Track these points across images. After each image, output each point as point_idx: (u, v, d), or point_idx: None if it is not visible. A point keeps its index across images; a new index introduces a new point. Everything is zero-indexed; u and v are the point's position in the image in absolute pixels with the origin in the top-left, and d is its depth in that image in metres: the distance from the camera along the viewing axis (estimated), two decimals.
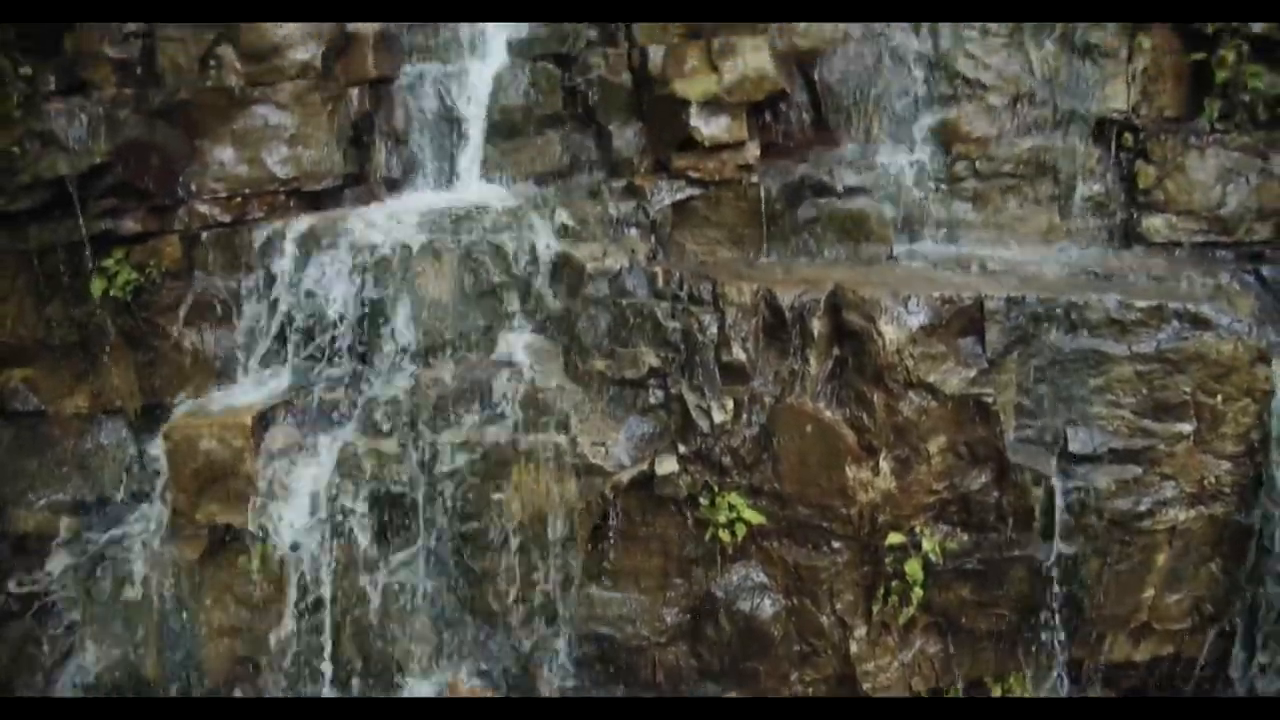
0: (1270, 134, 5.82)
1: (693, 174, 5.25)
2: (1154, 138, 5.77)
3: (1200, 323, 4.88)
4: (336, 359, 5.07)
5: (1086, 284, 5.17)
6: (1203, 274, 5.39)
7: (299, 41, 5.38)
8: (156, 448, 5.45)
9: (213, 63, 5.42)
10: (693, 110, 5.17)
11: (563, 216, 5.07)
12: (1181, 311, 4.89)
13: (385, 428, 4.96)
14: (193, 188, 5.36)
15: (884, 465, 4.77)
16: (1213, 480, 4.98)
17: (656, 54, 5.28)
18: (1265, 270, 5.52)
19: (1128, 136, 5.75)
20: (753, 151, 5.24)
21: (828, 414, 4.77)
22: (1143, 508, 4.94)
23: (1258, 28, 5.82)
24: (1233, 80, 5.79)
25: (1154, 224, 5.75)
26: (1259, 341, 4.90)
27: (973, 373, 4.76)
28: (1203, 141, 5.78)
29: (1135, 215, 5.76)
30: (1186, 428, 4.94)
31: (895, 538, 4.84)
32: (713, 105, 5.16)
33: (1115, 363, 4.87)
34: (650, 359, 4.90)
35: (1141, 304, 4.88)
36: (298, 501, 5.00)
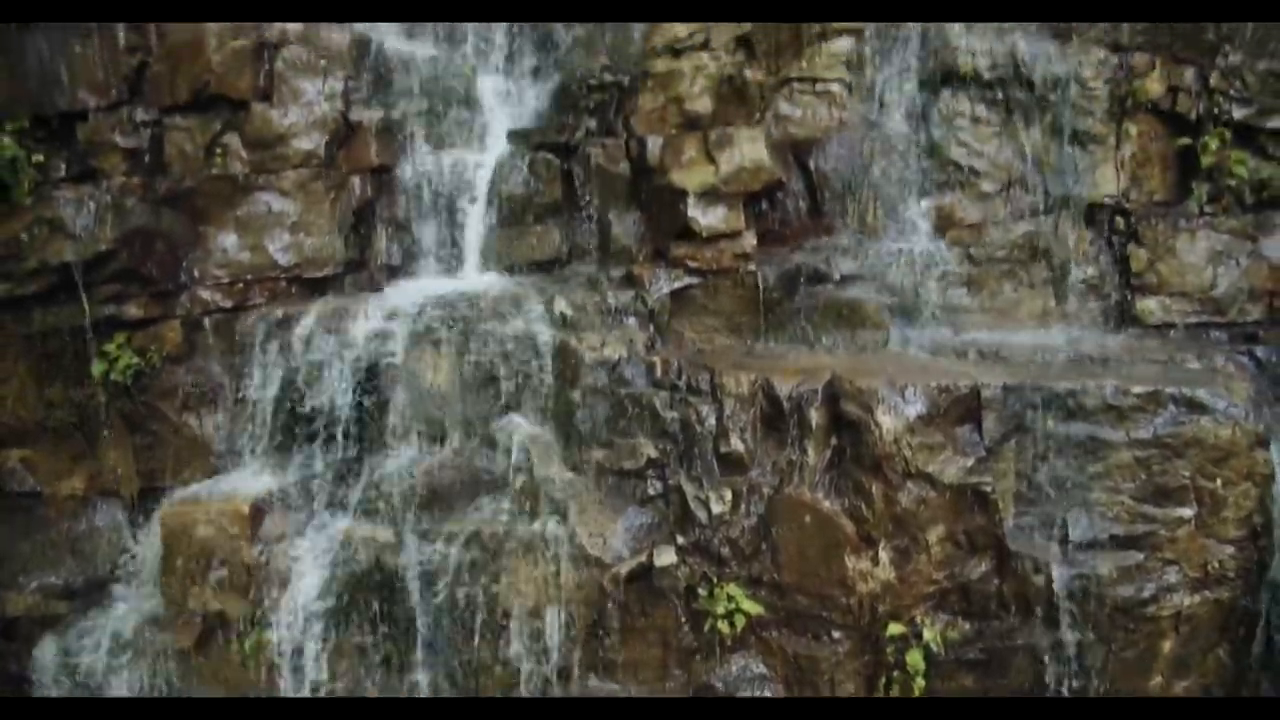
0: (1258, 217, 5.94)
1: (691, 263, 5.31)
2: (1145, 221, 5.88)
3: (1197, 407, 4.89)
4: (335, 446, 5.06)
5: (1083, 369, 5.20)
6: (1198, 356, 5.44)
7: (303, 130, 5.52)
8: (151, 532, 5.43)
9: (219, 150, 5.55)
10: (690, 200, 5.25)
11: (561, 305, 5.09)
12: (1178, 396, 4.90)
13: (383, 516, 4.93)
14: (195, 274, 5.45)
15: (883, 555, 4.73)
16: (1216, 565, 4.95)
17: (654, 144, 5.39)
18: (1259, 351, 5.58)
19: (1119, 220, 5.86)
20: (750, 241, 5.31)
21: (826, 504, 4.76)
22: (1146, 594, 4.89)
23: (1239, 115, 5.98)
24: (1218, 165, 5.93)
25: (1148, 306, 5.83)
26: (1256, 426, 4.90)
27: (970, 461, 4.76)
28: (1192, 225, 5.89)
29: (1129, 297, 5.83)
30: (1187, 512, 4.92)
31: (896, 628, 4.78)
32: (710, 195, 5.25)
33: (1113, 449, 4.87)
34: (649, 450, 4.90)
35: (1138, 390, 4.89)
36: (293, 589, 4.95)
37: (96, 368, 5.41)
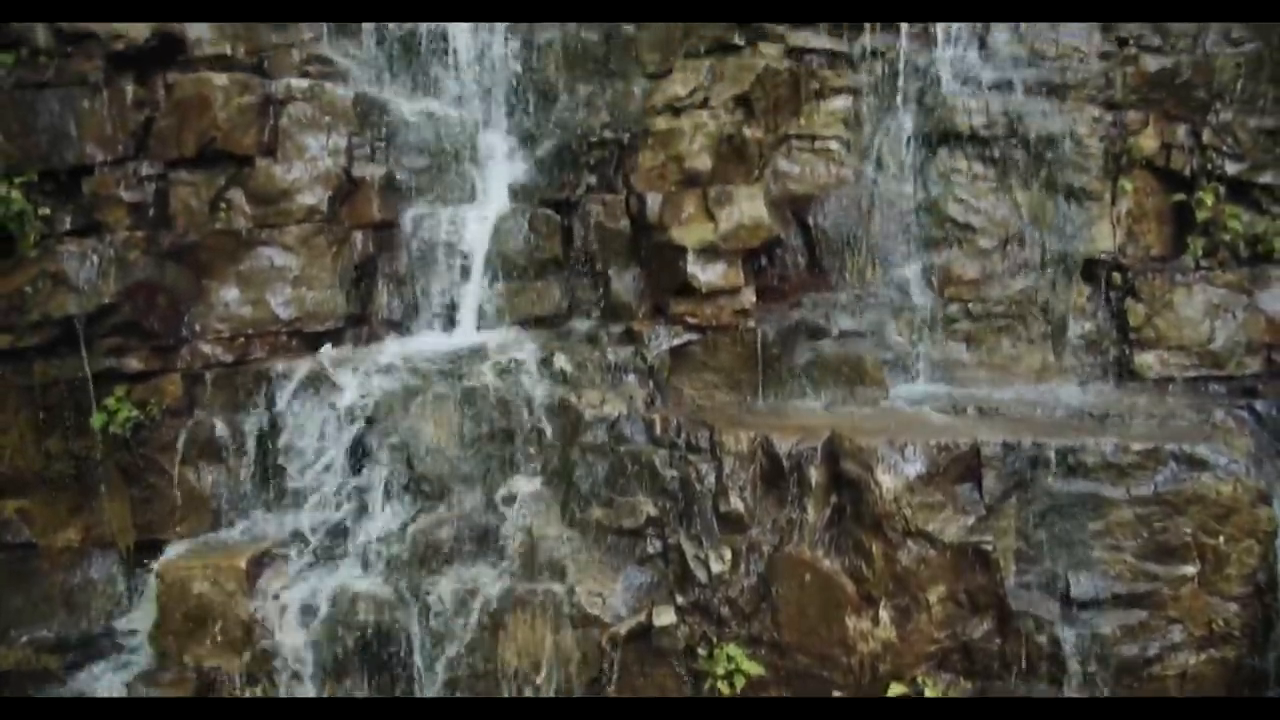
0: (1253, 270, 5.99)
1: (690, 319, 5.34)
2: (1141, 276, 5.92)
3: (1198, 464, 4.88)
4: (334, 501, 5.05)
5: (1082, 426, 5.20)
6: (1197, 410, 5.45)
7: (306, 186, 5.56)
8: (147, 586, 5.40)
9: (223, 205, 5.59)
10: (690, 257, 5.29)
11: (561, 362, 5.11)
12: (1178, 453, 4.90)
13: (381, 572, 4.91)
14: (197, 328, 5.46)
15: (884, 614, 4.70)
16: (1221, 623, 4.91)
17: (654, 201, 5.45)
18: (1259, 405, 5.58)
19: (1116, 275, 5.90)
20: (749, 297, 5.34)
21: (826, 563, 4.73)
22: (1151, 653, 4.85)
23: (1232, 170, 6.06)
24: (1213, 220, 5.99)
25: (1146, 360, 5.85)
26: (1258, 482, 4.90)
27: (971, 520, 4.74)
28: (1189, 279, 5.93)
29: (1128, 352, 5.86)
30: (1190, 570, 4.89)
31: (897, 688, 4.73)
32: (709, 252, 5.29)
33: (1114, 506, 4.85)
34: (648, 508, 4.88)
35: (1138, 446, 4.89)
36: (290, 646, 4.91)
37: (96, 420, 5.40)
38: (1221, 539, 4.89)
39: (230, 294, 5.47)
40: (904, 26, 5.76)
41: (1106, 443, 4.88)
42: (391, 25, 6.07)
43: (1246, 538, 4.86)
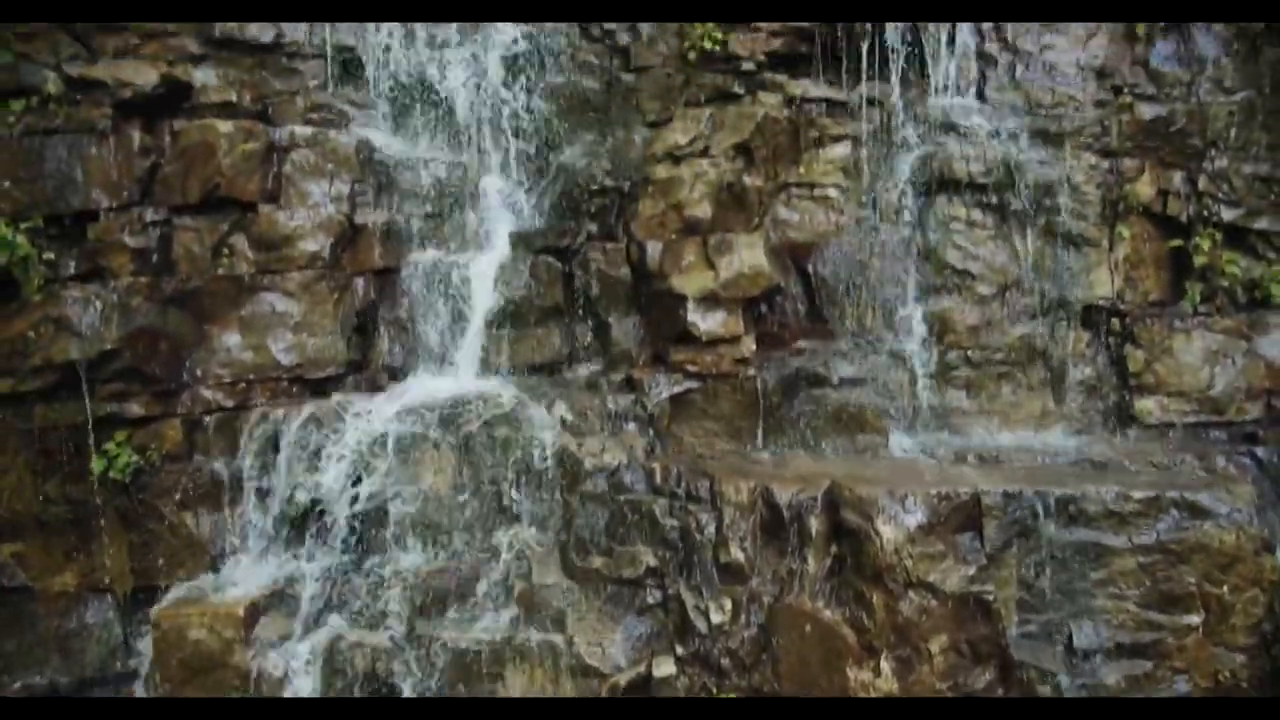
0: (1251, 316, 6.01)
1: (690, 368, 5.35)
2: (1140, 322, 5.94)
3: (1200, 512, 4.85)
4: (332, 548, 5.03)
5: (1082, 473, 5.19)
6: (1198, 457, 5.44)
7: (308, 232, 5.60)
8: (143, 632, 5.36)
9: (225, 251, 5.63)
10: (690, 305, 5.31)
11: (561, 410, 5.11)
12: (1179, 501, 4.88)
13: (379, 620, 4.88)
14: (198, 373, 5.47)
15: (885, 665, 4.65)
16: (1228, 674, 4.85)
17: (654, 249, 5.49)
18: (1260, 452, 5.58)
19: (1115, 321, 5.93)
20: (749, 345, 5.35)
21: (827, 614, 4.69)
22: None
23: (1228, 216, 6.11)
24: (1210, 266, 6.03)
25: (1146, 406, 5.85)
26: (1261, 530, 4.87)
27: (972, 570, 4.70)
28: (1188, 325, 5.95)
29: (1128, 398, 5.86)
30: (1195, 619, 4.85)
31: None
32: (709, 301, 5.32)
33: (1116, 555, 4.82)
34: (648, 558, 4.86)
35: (1139, 495, 4.87)
36: (287, 694, 4.86)
37: (96, 465, 5.39)
38: (1226, 588, 4.86)
39: (232, 339, 5.49)
40: (898, 75, 5.85)
41: (1107, 491, 4.86)
42: (394, 72, 6.17)
43: (1251, 587, 4.83)
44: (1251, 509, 4.94)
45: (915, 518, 4.64)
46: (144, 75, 5.86)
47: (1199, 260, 6.01)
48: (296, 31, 6.29)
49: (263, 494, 5.22)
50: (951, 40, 5.94)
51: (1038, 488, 4.84)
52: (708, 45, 5.93)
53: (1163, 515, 4.86)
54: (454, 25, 6.19)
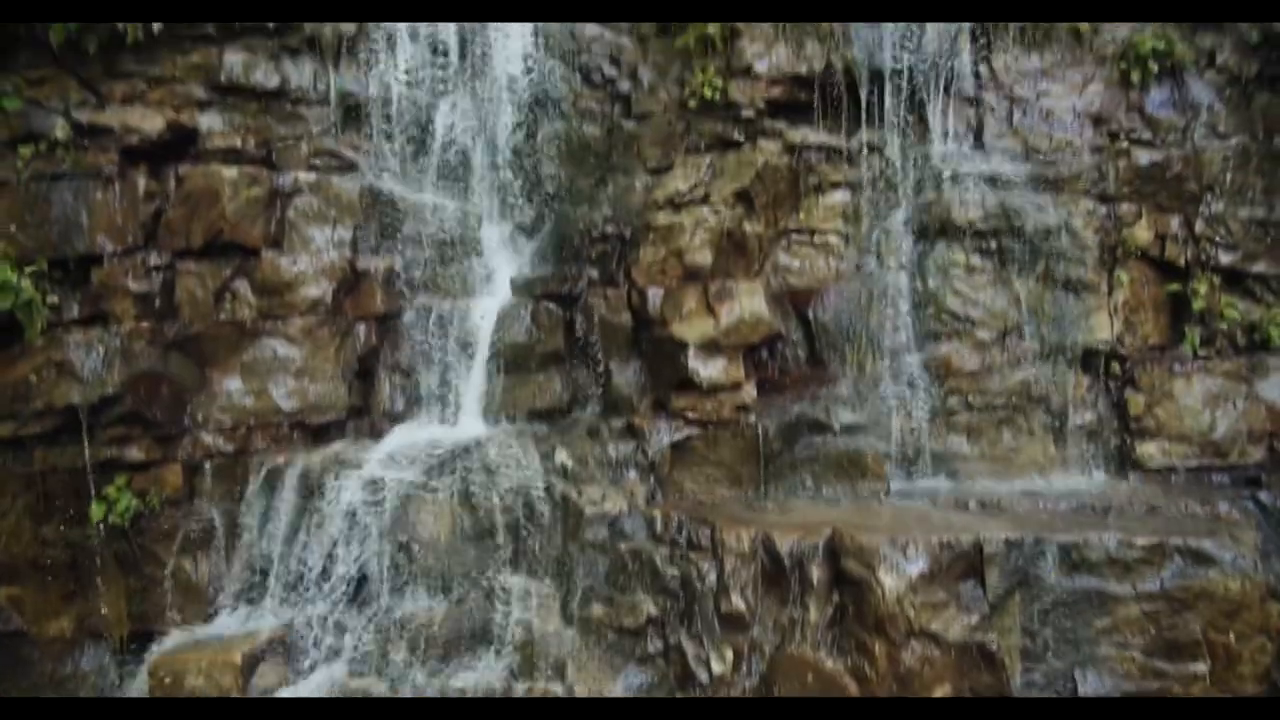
0: (1251, 359, 6.02)
1: (691, 414, 5.35)
2: (1140, 366, 5.95)
3: (1204, 560, 4.83)
4: (331, 595, 4.99)
5: (1084, 519, 5.16)
6: (1201, 502, 5.41)
7: (311, 278, 5.63)
8: (139, 678, 5.30)
9: (228, 296, 5.66)
10: (691, 352, 5.32)
11: (562, 457, 5.10)
12: (1183, 548, 4.85)
13: (378, 668, 4.83)
14: (199, 418, 5.47)
15: None
16: None
17: (655, 296, 5.50)
18: (1263, 496, 5.54)
19: (1115, 366, 5.93)
20: (750, 392, 5.36)
21: (829, 663, 4.65)
22: None
23: (1225, 260, 6.14)
24: (1209, 310, 6.05)
25: (1148, 450, 5.84)
26: (1266, 578, 4.84)
27: (975, 618, 4.67)
28: (1187, 368, 5.96)
29: (1129, 442, 5.85)
30: (1201, 668, 4.80)
31: None
32: (710, 347, 5.33)
33: (1120, 603, 4.79)
34: (649, 607, 4.82)
35: (1142, 541, 4.84)
36: None
37: (95, 509, 5.38)
38: (1232, 636, 4.82)
39: (233, 384, 5.50)
40: (898, 122, 5.91)
41: (1110, 538, 4.83)
42: (397, 117, 6.24)
43: (1258, 635, 4.79)
44: (1256, 555, 4.91)
45: (917, 566, 4.62)
46: (151, 122, 5.94)
47: (1198, 304, 6.03)
48: (301, 78, 6.38)
49: (261, 540, 5.19)
50: (949, 87, 6.00)
51: (1040, 535, 4.82)
52: (708, 93, 5.99)
53: (1166, 562, 4.83)
54: (455, 69, 6.29)
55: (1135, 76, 6.25)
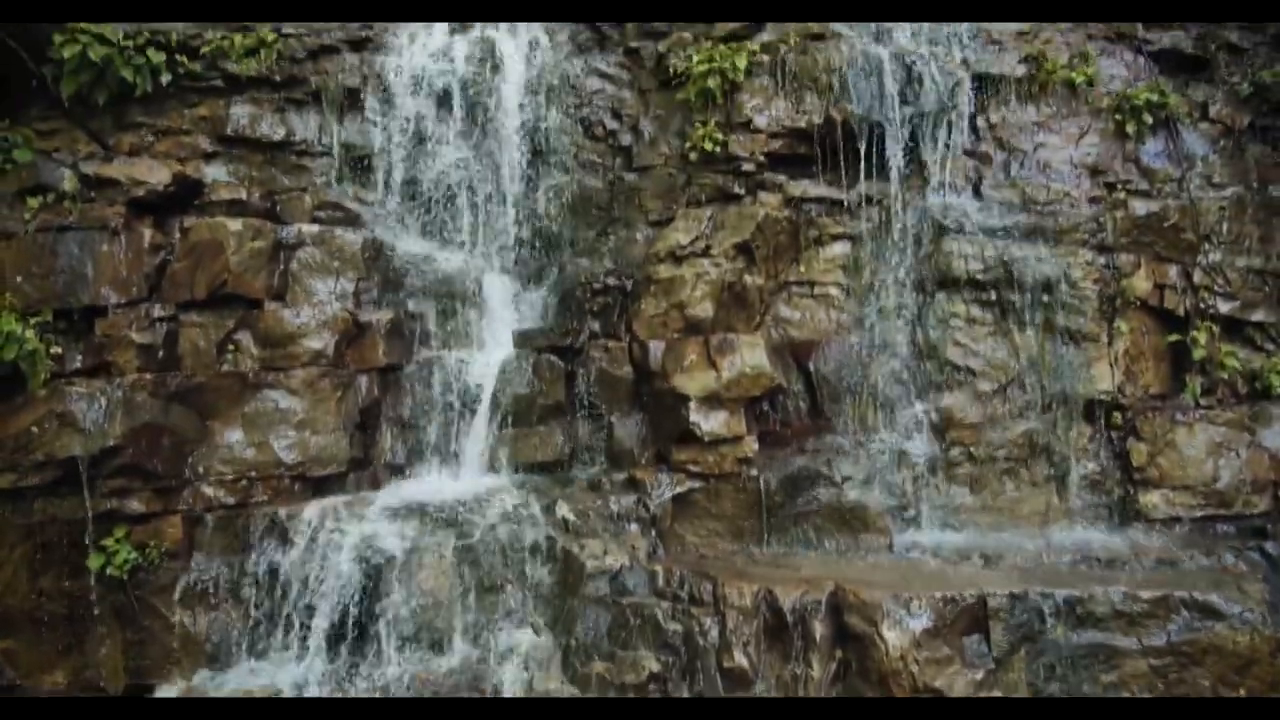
0: (1253, 408, 6.01)
1: (692, 467, 5.34)
2: (1142, 416, 5.94)
3: (1211, 613, 4.79)
4: (331, 650, 4.93)
5: (1089, 572, 5.13)
6: (1206, 553, 5.37)
7: (313, 330, 5.64)
8: None
9: (231, 347, 5.68)
10: (692, 405, 5.32)
11: (564, 510, 5.08)
12: (1189, 601, 4.81)
13: None
14: (200, 469, 5.45)
15: None
16: None
17: (656, 349, 5.51)
18: (1269, 546, 5.51)
19: (1116, 416, 5.92)
20: (751, 445, 5.34)
21: None
22: None
23: (1224, 309, 6.17)
24: (1209, 359, 6.06)
25: (1151, 500, 5.80)
26: (1275, 631, 4.78)
27: (979, 674, 4.61)
28: (1189, 417, 5.95)
29: (1132, 492, 5.82)
30: None
31: None
32: (711, 401, 5.32)
33: (1127, 657, 4.73)
34: (651, 663, 4.76)
35: (1147, 595, 4.80)
36: None
37: (94, 561, 5.34)
38: (1242, 692, 4.76)
39: (234, 436, 5.48)
40: (897, 175, 5.97)
41: (1115, 591, 4.79)
42: (400, 169, 6.31)
43: (1269, 690, 4.73)
44: (1265, 609, 4.86)
45: (920, 622, 4.57)
46: (157, 174, 6.00)
47: (1198, 353, 6.05)
48: (306, 130, 6.48)
49: (261, 594, 5.14)
50: (947, 139, 6.07)
51: (1044, 589, 4.78)
52: (708, 146, 6.08)
53: (1173, 616, 4.78)
54: (459, 123, 6.37)
55: (1130, 128, 6.33)
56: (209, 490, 5.43)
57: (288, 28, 6.62)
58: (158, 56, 6.29)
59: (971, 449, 5.66)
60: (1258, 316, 6.22)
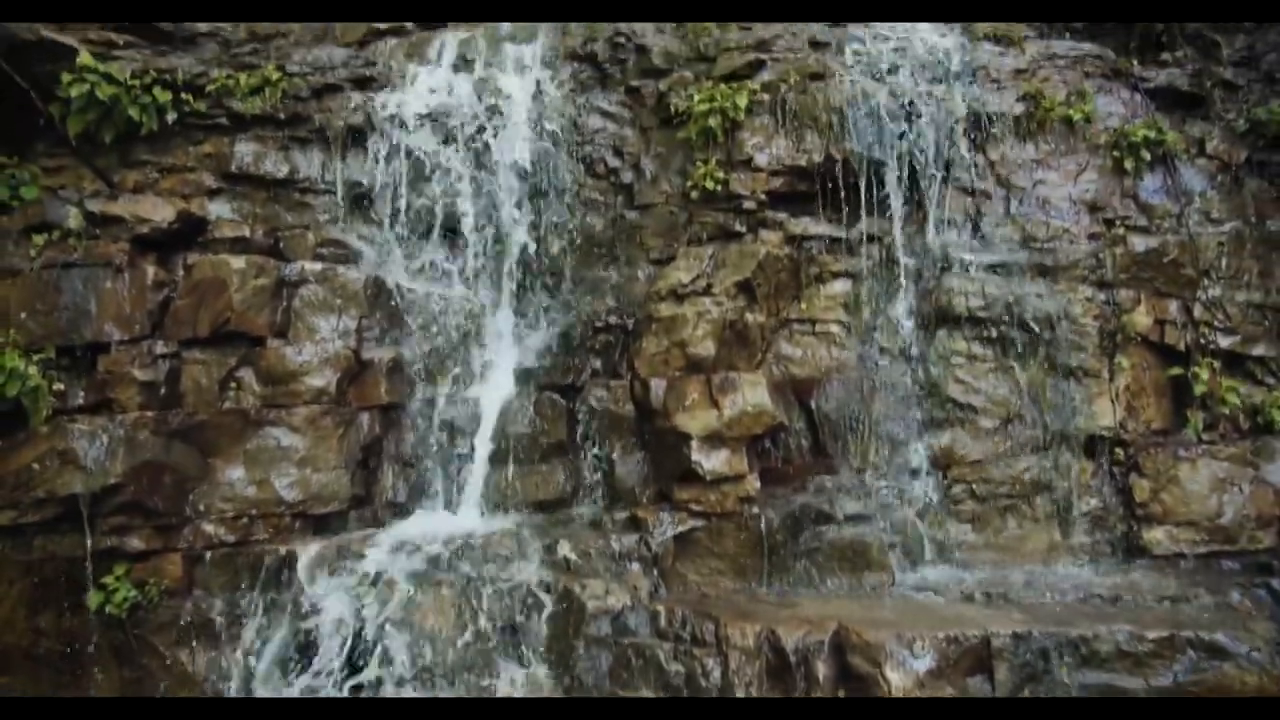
0: (1255, 443, 5.99)
1: (695, 506, 5.31)
2: (1144, 451, 5.92)
3: (1218, 652, 4.73)
4: (331, 689, 4.89)
5: (1094, 611, 5.08)
6: (1212, 590, 5.32)
7: (315, 367, 5.65)
8: None
9: (233, 385, 5.68)
10: (694, 444, 5.30)
11: (565, 549, 5.06)
12: (1195, 640, 4.76)
13: None
14: (201, 507, 5.43)
15: None
16: None
17: (658, 387, 5.50)
18: (1276, 583, 5.45)
19: (1119, 451, 5.91)
20: (753, 484, 5.33)
21: None
22: None
23: (1225, 344, 6.18)
24: (1211, 394, 6.06)
25: (1155, 536, 5.78)
26: None
27: None
28: (1192, 453, 5.93)
29: (1135, 528, 5.79)
30: None
31: None
32: (714, 440, 5.31)
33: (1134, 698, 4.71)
34: None
35: (1153, 634, 4.75)
36: None
37: (93, 599, 5.31)
38: None
39: (235, 474, 5.47)
40: (897, 212, 6.01)
41: (1120, 630, 4.74)
42: (403, 207, 6.35)
43: None
44: (1272, 648, 4.81)
45: (924, 663, 4.53)
46: (161, 211, 6.04)
47: (1199, 388, 6.04)
48: (310, 167, 6.54)
49: (261, 632, 5.12)
50: (947, 177, 6.11)
51: (1048, 628, 4.74)
52: (709, 184, 6.12)
53: (1179, 656, 4.73)
54: (462, 161, 6.42)
55: (1129, 164, 6.37)
56: (210, 528, 5.41)
57: (292, 66, 6.71)
58: (164, 95, 6.37)
59: (974, 486, 5.64)
60: (1258, 351, 6.22)
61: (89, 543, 5.31)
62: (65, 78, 6.15)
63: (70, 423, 5.41)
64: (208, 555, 5.38)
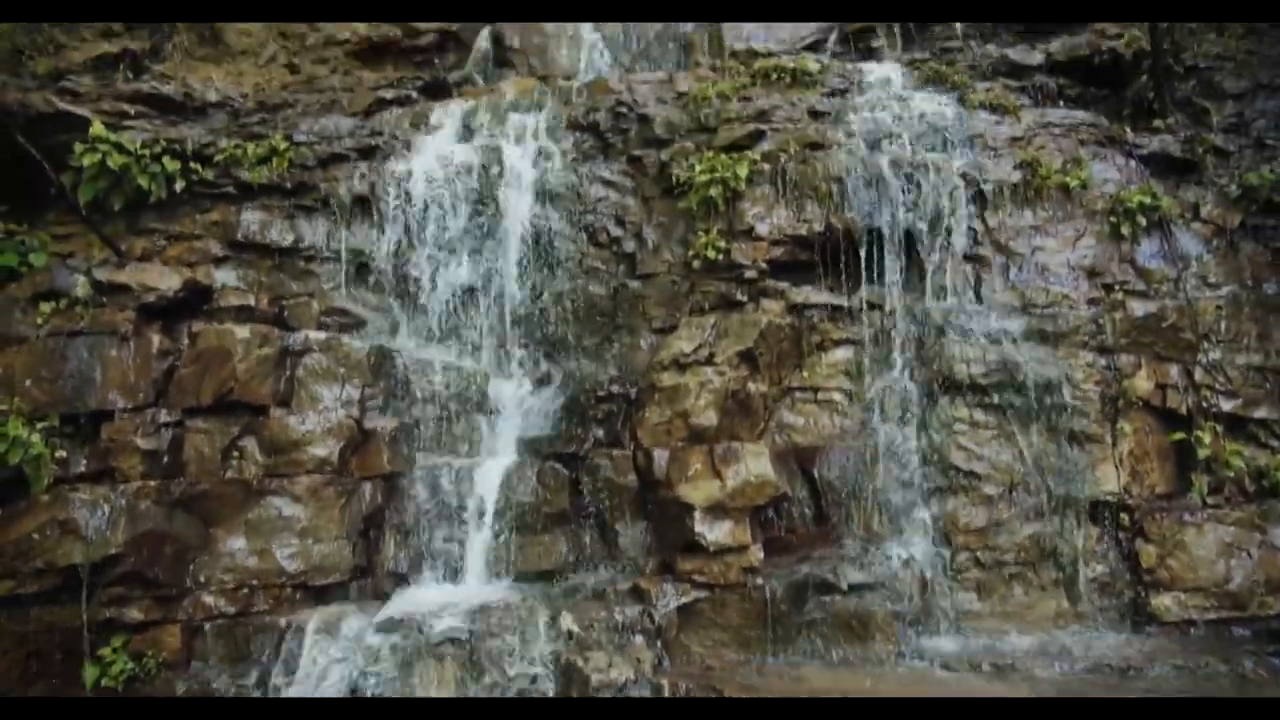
0: (1261, 507, 5.96)
1: (698, 577, 5.27)
2: (1149, 516, 5.88)
3: None
4: None
5: (1103, 681, 5.01)
6: (1223, 659, 5.25)
7: (318, 437, 5.65)
8: None
9: (235, 454, 5.66)
10: (697, 515, 5.29)
11: (568, 622, 4.98)
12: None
13: None
14: (201, 578, 5.39)
15: None
16: None
17: (661, 457, 5.49)
18: None
19: (1124, 517, 5.87)
20: (757, 554, 5.30)
21: None
22: None
23: (1227, 407, 6.18)
24: (1214, 457, 6.03)
25: (1163, 603, 5.71)
26: None
27: None
28: (1197, 518, 5.89)
29: (1143, 594, 5.73)
30: None
31: None
32: (717, 510, 5.29)
33: None
34: None
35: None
36: None
37: (89, 673, 5.21)
38: None
39: (237, 544, 5.44)
40: (897, 280, 6.06)
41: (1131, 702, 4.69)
42: (408, 275, 6.39)
43: None
44: None
45: None
46: (167, 280, 6.10)
47: (1202, 452, 6.02)
48: (315, 236, 6.61)
49: None
50: (947, 244, 6.17)
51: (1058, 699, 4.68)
52: (711, 254, 6.18)
53: None
54: (465, 230, 6.48)
55: (1125, 229, 6.44)
56: (210, 599, 5.36)
57: (300, 135, 6.83)
58: (173, 164, 6.48)
59: (978, 553, 5.59)
60: (1260, 413, 6.22)
61: (86, 614, 5.24)
62: (78, 147, 6.26)
63: (72, 491, 5.40)
64: (207, 626, 5.31)
